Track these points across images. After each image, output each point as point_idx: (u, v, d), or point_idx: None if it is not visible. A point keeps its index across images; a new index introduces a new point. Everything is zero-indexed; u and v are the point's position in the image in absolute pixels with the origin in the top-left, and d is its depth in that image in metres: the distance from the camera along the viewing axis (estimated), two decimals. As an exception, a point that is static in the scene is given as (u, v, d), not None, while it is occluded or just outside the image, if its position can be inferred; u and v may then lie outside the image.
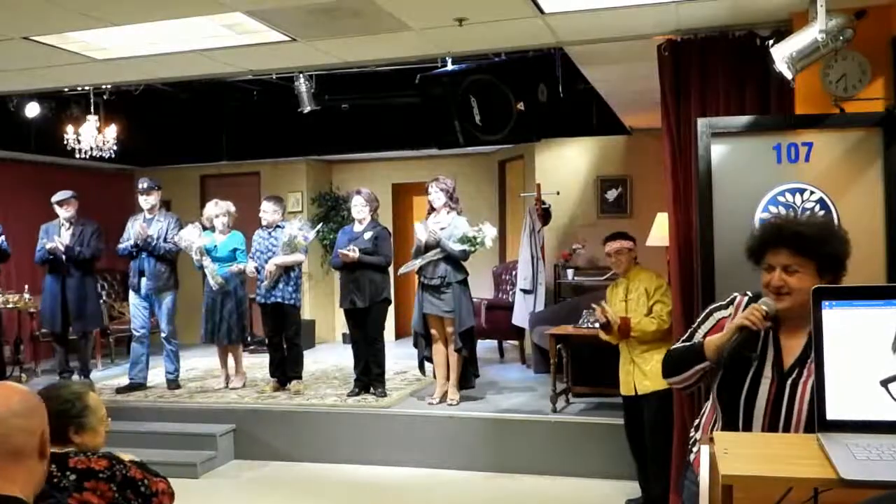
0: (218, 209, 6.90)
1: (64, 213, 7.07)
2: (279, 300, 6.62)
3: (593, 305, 4.58)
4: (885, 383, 1.83)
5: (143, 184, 6.96)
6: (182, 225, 7.03)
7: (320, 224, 6.88)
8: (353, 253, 6.21)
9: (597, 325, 4.68)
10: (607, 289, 4.90)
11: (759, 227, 2.33)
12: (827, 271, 2.20)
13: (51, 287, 7.10)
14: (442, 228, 6.07)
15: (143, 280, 6.86)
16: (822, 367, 1.97)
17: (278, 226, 6.78)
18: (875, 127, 3.78)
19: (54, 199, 7.09)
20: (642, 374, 4.52)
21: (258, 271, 6.72)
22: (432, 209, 6.23)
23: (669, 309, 4.47)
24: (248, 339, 7.11)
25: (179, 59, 5.20)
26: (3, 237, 7.12)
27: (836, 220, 3.68)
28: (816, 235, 2.22)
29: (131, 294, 6.96)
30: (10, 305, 7.51)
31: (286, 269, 6.62)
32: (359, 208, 6.47)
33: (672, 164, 4.55)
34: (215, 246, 6.84)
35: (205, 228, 6.99)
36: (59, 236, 7.05)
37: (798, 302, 2.18)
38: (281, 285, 6.60)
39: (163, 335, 6.96)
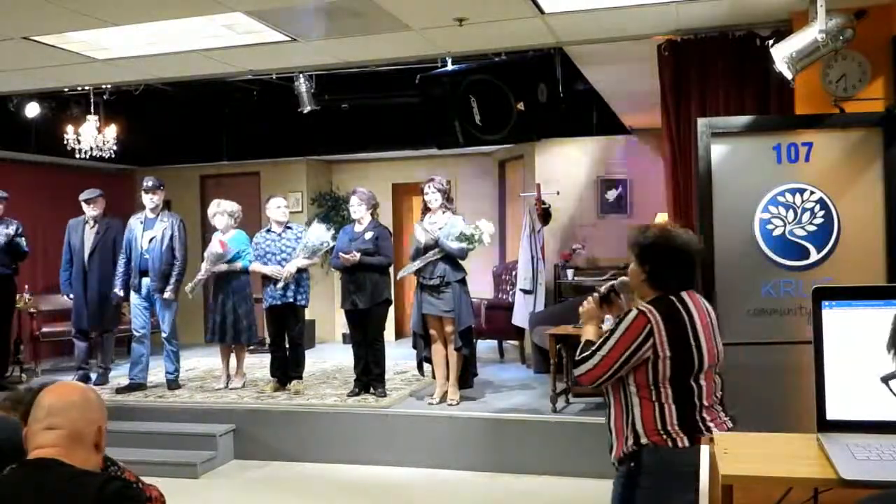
0: (220, 208, 6.89)
1: (91, 211, 7.12)
2: (291, 301, 6.62)
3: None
4: (885, 380, 1.86)
5: (147, 182, 6.96)
6: (186, 226, 7.05)
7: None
8: (353, 257, 6.21)
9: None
10: None
11: None
12: (643, 263, 2.68)
13: (76, 286, 7.14)
14: (439, 228, 6.08)
15: (145, 280, 6.86)
16: (822, 367, 1.97)
17: (287, 226, 6.79)
18: (875, 127, 3.79)
19: (82, 196, 7.14)
20: None
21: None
22: (427, 209, 6.23)
23: None
24: (253, 340, 7.10)
25: (179, 59, 5.20)
26: (22, 238, 7.18)
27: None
28: (634, 234, 2.75)
29: (132, 294, 6.96)
30: (10, 305, 7.51)
31: (298, 270, 6.64)
32: (355, 208, 6.47)
33: (672, 164, 4.55)
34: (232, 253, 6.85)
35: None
36: (84, 234, 7.14)
37: (633, 286, 2.77)
38: (293, 286, 6.60)
39: (163, 335, 6.95)
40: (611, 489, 2.88)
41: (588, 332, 2.75)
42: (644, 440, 2.57)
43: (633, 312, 2.60)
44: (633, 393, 2.61)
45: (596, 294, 2.87)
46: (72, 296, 7.26)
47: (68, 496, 1.81)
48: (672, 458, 2.50)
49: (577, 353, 2.70)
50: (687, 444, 2.50)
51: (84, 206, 7.11)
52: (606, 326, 2.83)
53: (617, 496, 2.77)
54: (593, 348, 2.63)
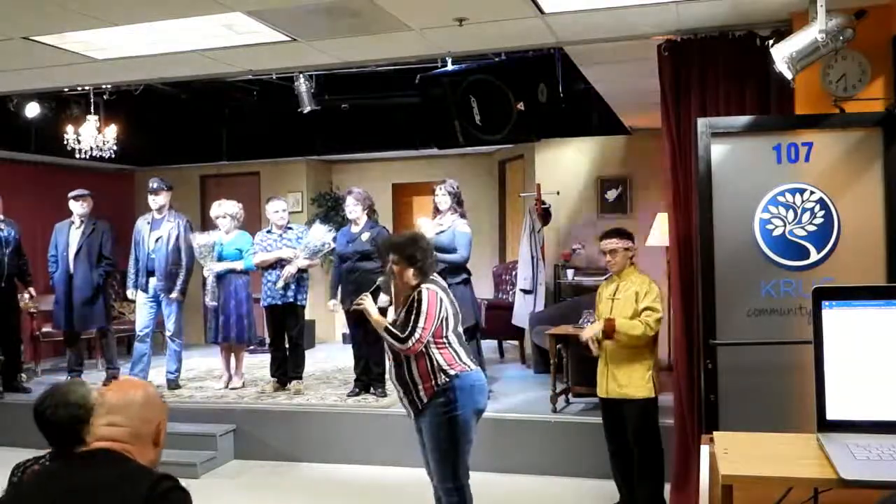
0: (221, 209, 6.90)
1: (79, 208, 7.10)
2: (291, 300, 6.63)
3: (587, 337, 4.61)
4: None
5: (152, 184, 6.98)
6: (192, 227, 7.05)
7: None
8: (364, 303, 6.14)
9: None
10: (599, 286, 4.85)
11: None
12: (412, 264, 3.77)
13: (59, 287, 7.14)
14: (442, 231, 6.08)
15: (152, 280, 6.87)
16: (822, 367, 1.97)
17: (288, 227, 6.80)
18: (875, 127, 3.78)
19: (71, 193, 7.13)
20: (614, 378, 4.44)
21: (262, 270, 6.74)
22: (438, 211, 6.25)
23: (659, 317, 4.32)
24: (254, 339, 7.13)
25: (179, 59, 5.20)
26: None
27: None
28: (400, 243, 3.84)
29: (139, 293, 6.96)
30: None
31: (298, 270, 6.64)
32: (350, 208, 6.47)
33: (672, 164, 4.55)
34: (221, 244, 6.85)
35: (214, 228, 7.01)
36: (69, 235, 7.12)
37: (401, 282, 3.83)
38: (293, 286, 6.61)
39: (168, 333, 6.96)
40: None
41: (379, 320, 3.82)
42: (452, 372, 3.73)
43: (423, 291, 3.72)
44: (434, 346, 3.72)
45: (367, 293, 3.93)
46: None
47: (121, 488, 1.89)
48: (472, 378, 3.79)
49: (397, 334, 3.70)
50: (473, 367, 3.82)
51: (72, 202, 7.10)
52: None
53: (436, 425, 3.76)
54: (410, 326, 3.67)
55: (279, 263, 6.62)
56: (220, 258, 6.79)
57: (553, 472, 5.50)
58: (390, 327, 3.75)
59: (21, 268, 7.26)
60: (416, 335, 3.67)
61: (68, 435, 2.64)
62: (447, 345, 3.77)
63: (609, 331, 4.36)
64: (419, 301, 3.70)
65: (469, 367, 3.80)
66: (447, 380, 3.71)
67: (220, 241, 6.85)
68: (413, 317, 3.68)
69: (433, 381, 3.72)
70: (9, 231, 7.08)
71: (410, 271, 3.78)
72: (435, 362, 3.72)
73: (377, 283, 4.03)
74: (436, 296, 3.74)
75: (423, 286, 3.76)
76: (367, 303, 3.86)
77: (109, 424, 2.04)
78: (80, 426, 2.61)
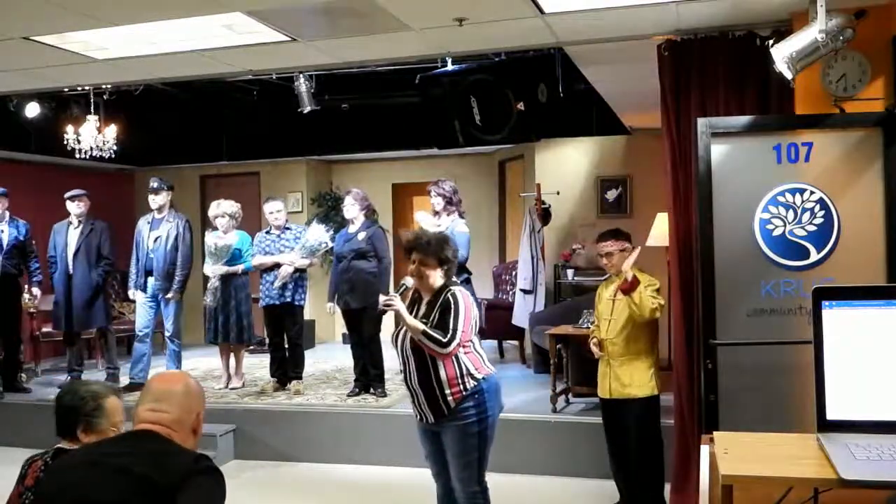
0: (219, 209, 6.89)
1: (75, 208, 7.10)
2: (289, 300, 6.63)
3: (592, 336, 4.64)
4: None
5: (152, 184, 6.99)
6: (192, 227, 7.05)
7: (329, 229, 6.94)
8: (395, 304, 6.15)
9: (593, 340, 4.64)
10: (599, 286, 4.85)
11: (406, 235, 3.95)
12: (442, 265, 3.69)
13: (58, 287, 7.14)
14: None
15: (150, 280, 6.87)
16: (822, 367, 1.97)
17: (287, 227, 6.80)
18: (875, 127, 3.78)
19: (67, 194, 7.13)
20: (617, 378, 4.45)
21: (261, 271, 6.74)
22: (435, 212, 6.27)
23: (662, 304, 4.35)
24: (253, 339, 7.13)
25: (179, 59, 5.20)
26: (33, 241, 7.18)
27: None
28: (432, 243, 3.71)
29: (138, 293, 6.96)
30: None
31: (297, 270, 6.65)
32: (348, 207, 6.48)
33: (672, 164, 4.55)
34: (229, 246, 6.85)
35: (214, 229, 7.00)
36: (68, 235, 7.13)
37: (427, 284, 3.71)
38: (291, 286, 6.61)
39: (167, 334, 6.95)
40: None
41: (415, 324, 3.61)
42: (479, 375, 3.66)
43: (457, 293, 3.65)
44: (461, 350, 3.61)
45: (395, 294, 3.74)
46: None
47: (165, 462, 1.99)
48: (496, 380, 3.76)
49: (439, 338, 3.54)
50: (493, 369, 3.79)
51: (69, 203, 7.11)
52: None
53: (464, 429, 3.63)
54: (451, 328, 3.56)
55: (278, 265, 6.62)
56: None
57: (553, 472, 5.50)
58: (429, 331, 3.56)
59: (28, 268, 7.26)
60: (458, 336, 3.56)
61: (65, 421, 2.65)
62: (472, 348, 3.70)
63: (632, 286, 4.30)
64: (455, 303, 3.61)
65: (491, 369, 3.78)
66: (475, 383, 3.63)
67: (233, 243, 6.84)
68: (452, 319, 3.57)
69: (462, 386, 3.61)
70: (10, 231, 7.09)
71: (439, 272, 3.69)
72: (463, 366, 3.62)
73: (402, 282, 3.83)
74: (469, 298, 3.70)
75: (454, 288, 3.69)
76: (397, 303, 3.66)
77: (154, 410, 2.13)
78: (76, 416, 2.62)
